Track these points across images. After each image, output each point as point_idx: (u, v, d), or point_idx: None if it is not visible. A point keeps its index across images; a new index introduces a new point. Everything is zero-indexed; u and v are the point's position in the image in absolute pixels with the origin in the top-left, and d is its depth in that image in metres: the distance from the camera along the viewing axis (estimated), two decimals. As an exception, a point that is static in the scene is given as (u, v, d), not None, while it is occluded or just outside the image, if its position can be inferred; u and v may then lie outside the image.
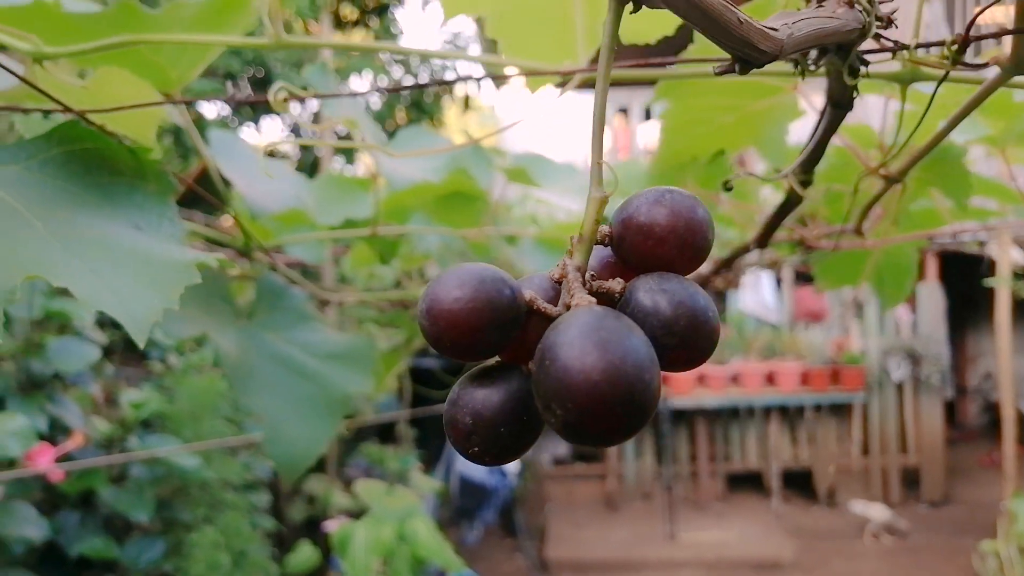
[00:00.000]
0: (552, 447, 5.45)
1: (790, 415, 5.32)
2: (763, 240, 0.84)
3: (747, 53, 0.28)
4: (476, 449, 0.25)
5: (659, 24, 0.73)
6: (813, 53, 0.39)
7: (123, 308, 0.43)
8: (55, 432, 2.01)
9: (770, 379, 5.26)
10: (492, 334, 0.24)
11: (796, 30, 0.30)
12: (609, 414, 0.21)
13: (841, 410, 5.29)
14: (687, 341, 0.24)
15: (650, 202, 0.26)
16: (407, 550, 2.75)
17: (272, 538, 2.77)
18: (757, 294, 5.25)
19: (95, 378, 2.37)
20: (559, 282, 0.26)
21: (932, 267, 5.23)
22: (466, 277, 0.24)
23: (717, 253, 1.34)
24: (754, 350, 5.35)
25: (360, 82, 5.44)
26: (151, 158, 0.58)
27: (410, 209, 1.12)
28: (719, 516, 4.95)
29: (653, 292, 0.25)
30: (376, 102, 5.52)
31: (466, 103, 6.37)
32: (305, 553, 2.85)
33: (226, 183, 0.89)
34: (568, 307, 0.25)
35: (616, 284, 0.26)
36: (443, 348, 0.24)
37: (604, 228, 0.27)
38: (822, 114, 0.54)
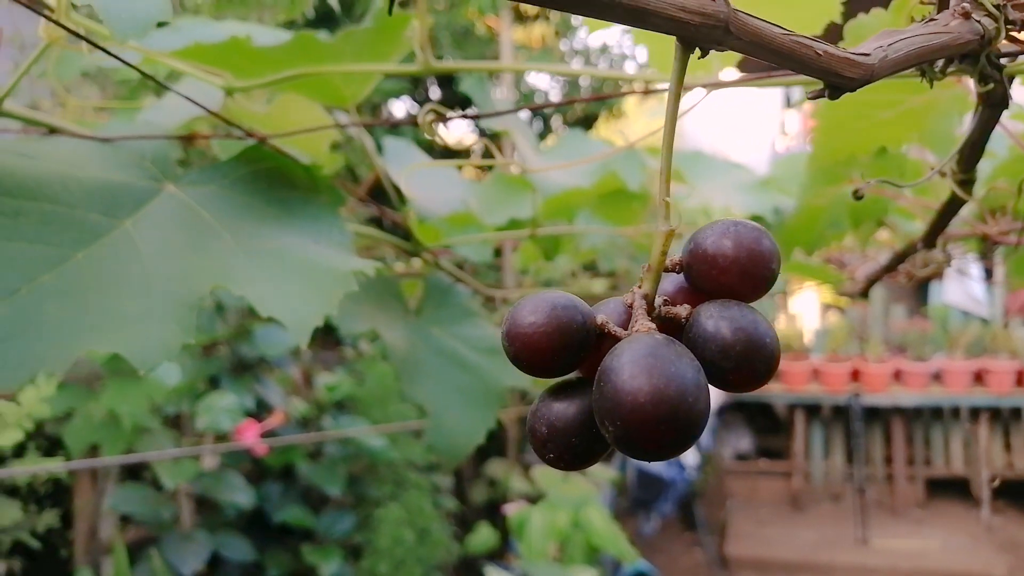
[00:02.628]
0: (735, 441, 5.30)
1: (1003, 418, 4.83)
2: (930, 239, 0.79)
3: (833, 80, 0.28)
4: (551, 455, 0.28)
5: (819, 14, 0.70)
6: (940, 62, 0.38)
7: (289, 313, 0.49)
8: (260, 410, 2.22)
9: (979, 378, 4.81)
10: (563, 355, 0.27)
11: (892, 51, 0.30)
12: (654, 432, 0.23)
13: (1067, 415, 4.76)
14: (743, 364, 0.26)
15: (717, 234, 0.28)
16: (582, 537, 2.79)
17: (455, 518, 2.91)
18: (964, 286, 4.81)
19: (294, 362, 2.59)
20: (631, 306, 0.28)
21: None
22: (540, 304, 0.27)
23: (898, 247, 1.27)
24: (960, 346, 4.91)
25: (536, 78, 5.53)
26: (322, 174, 0.65)
27: (572, 208, 1.15)
28: (918, 523, 4.61)
29: (715, 318, 0.27)
30: (555, 95, 5.60)
31: (645, 91, 6.30)
32: (485, 534, 2.95)
33: (397, 190, 0.97)
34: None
35: (683, 310, 0.28)
36: (521, 366, 0.27)
37: (676, 257, 0.29)
38: (976, 111, 0.52)
